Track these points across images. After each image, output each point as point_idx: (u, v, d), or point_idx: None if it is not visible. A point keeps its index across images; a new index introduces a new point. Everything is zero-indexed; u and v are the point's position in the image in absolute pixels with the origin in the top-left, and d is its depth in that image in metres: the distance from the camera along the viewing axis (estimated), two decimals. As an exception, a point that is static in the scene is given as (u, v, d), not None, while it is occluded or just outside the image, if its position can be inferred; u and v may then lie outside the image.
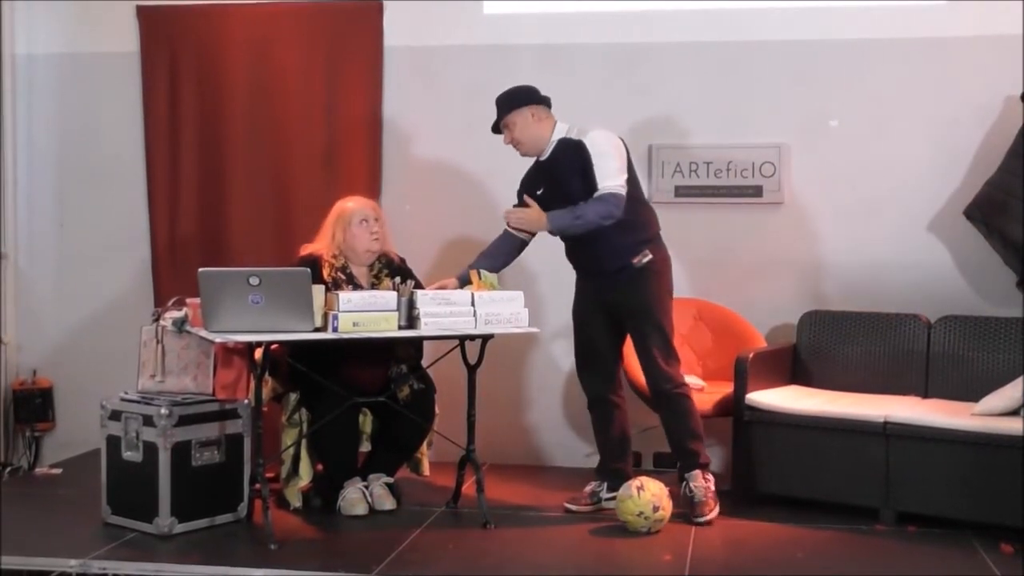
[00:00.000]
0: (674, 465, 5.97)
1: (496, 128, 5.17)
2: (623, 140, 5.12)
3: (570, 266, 6.03)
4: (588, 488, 5.26)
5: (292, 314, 4.58)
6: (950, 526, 4.82)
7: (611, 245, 5.00)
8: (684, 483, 5.11)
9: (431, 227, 6.18)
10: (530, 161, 5.22)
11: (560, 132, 5.09)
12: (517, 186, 5.22)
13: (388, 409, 5.13)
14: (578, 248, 5.14)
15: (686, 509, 5.02)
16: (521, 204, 5.16)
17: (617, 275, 5.05)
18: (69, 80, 6.58)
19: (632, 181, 5.06)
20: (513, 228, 5.16)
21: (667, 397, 5.11)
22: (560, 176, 5.03)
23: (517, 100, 5.11)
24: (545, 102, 5.14)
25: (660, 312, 5.09)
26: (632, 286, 5.05)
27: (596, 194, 4.92)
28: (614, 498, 5.03)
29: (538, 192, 5.10)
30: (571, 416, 6.19)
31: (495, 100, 5.16)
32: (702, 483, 5.07)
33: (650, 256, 5.06)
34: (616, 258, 5.03)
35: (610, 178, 4.93)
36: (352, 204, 5.27)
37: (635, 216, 5.02)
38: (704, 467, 5.13)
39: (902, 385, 5.47)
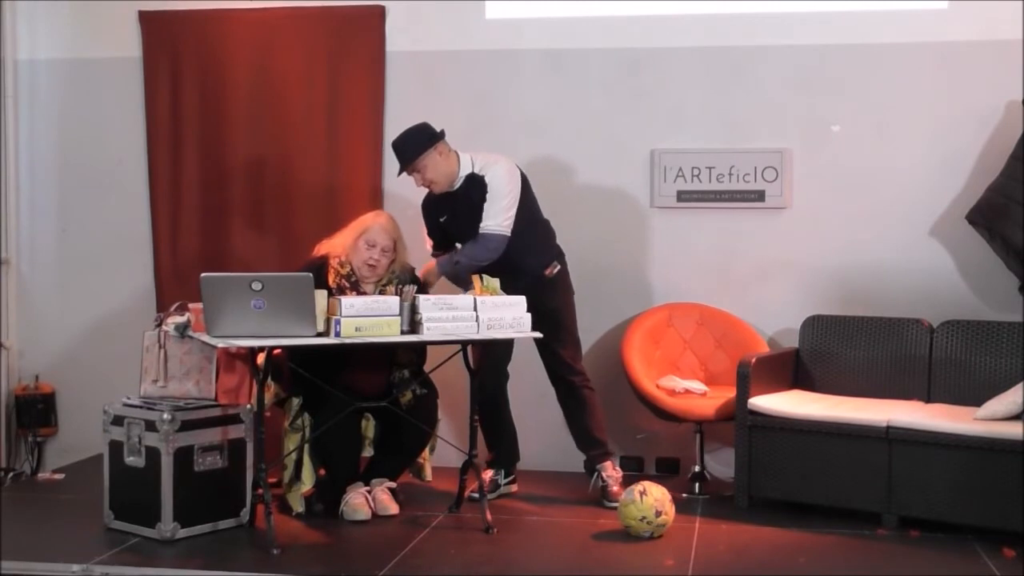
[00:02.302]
0: (675, 470, 6.01)
1: (402, 172, 5.33)
2: (521, 171, 5.41)
3: (570, 270, 6.05)
4: (488, 476, 5.41)
5: (294, 319, 4.58)
6: (952, 531, 4.82)
7: (525, 262, 5.32)
8: (595, 473, 5.46)
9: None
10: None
11: (467, 166, 5.33)
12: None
13: (390, 414, 5.13)
14: (493, 266, 5.24)
15: (598, 496, 5.39)
16: (430, 226, 5.46)
17: (532, 285, 5.25)
18: (71, 85, 6.58)
19: (530, 207, 5.38)
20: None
21: (576, 389, 5.50)
22: (468, 210, 5.28)
23: (423, 143, 5.25)
24: (443, 136, 5.30)
25: (571, 316, 5.53)
26: (546, 294, 5.34)
27: (479, 233, 5.24)
28: (513, 481, 5.58)
29: (441, 219, 5.38)
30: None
31: (394, 146, 5.32)
32: (613, 472, 5.44)
33: (559, 267, 5.48)
34: (530, 272, 5.35)
35: (492, 218, 5.25)
36: (374, 223, 5.26)
37: (541, 235, 5.46)
38: (612, 457, 5.54)
39: (904, 390, 5.47)
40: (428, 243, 5.52)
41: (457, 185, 5.31)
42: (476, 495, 5.12)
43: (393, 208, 6.21)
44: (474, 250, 5.25)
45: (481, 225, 5.24)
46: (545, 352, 5.47)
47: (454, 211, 5.33)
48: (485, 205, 5.25)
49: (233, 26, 6.33)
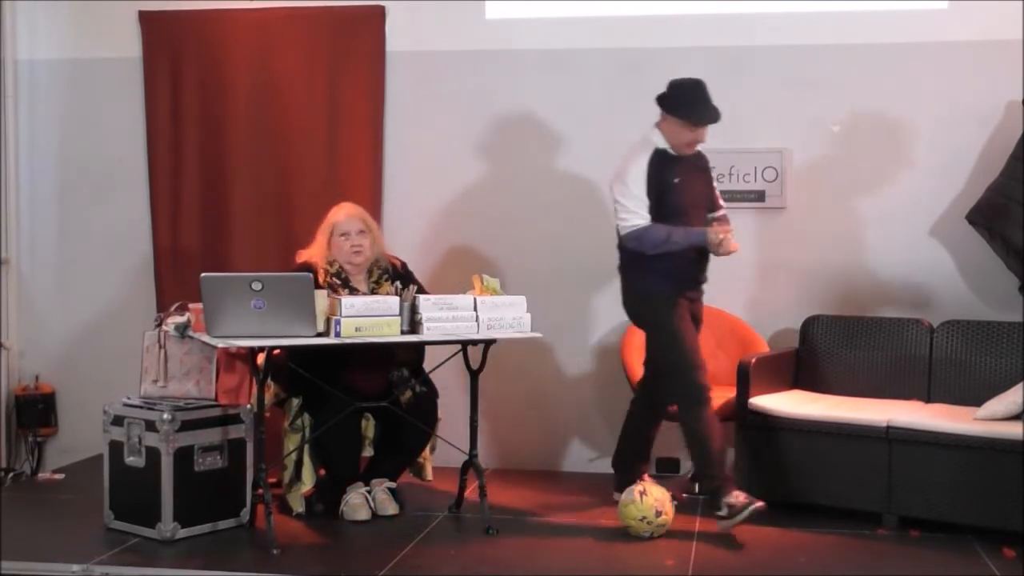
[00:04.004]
0: (676, 470, 5.99)
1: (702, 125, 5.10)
2: None
3: (571, 271, 6.05)
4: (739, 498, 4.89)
5: (294, 319, 4.58)
6: (952, 530, 4.82)
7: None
8: (722, 502, 4.86)
9: (433, 232, 6.19)
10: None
11: None
12: (645, 179, 5.03)
13: (391, 414, 5.13)
14: (702, 260, 5.16)
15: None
16: (659, 189, 5.03)
17: (702, 288, 5.26)
18: (71, 85, 6.58)
19: None
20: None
21: (708, 398, 5.05)
22: (702, 177, 5.22)
23: None
24: None
25: None
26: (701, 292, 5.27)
27: (722, 212, 5.26)
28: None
29: (675, 180, 5.05)
30: (573, 421, 6.19)
31: (709, 99, 5.07)
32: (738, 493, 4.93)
33: None
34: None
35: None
36: (338, 215, 5.26)
37: None
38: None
39: (904, 390, 5.47)
40: (638, 219, 5.02)
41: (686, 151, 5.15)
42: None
43: (393, 208, 6.24)
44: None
45: (722, 202, 5.30)
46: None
47: (690, 175, 5.14)
48: (716, 186, 5.34)
49: (233, 26, 6.33)
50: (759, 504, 4.79)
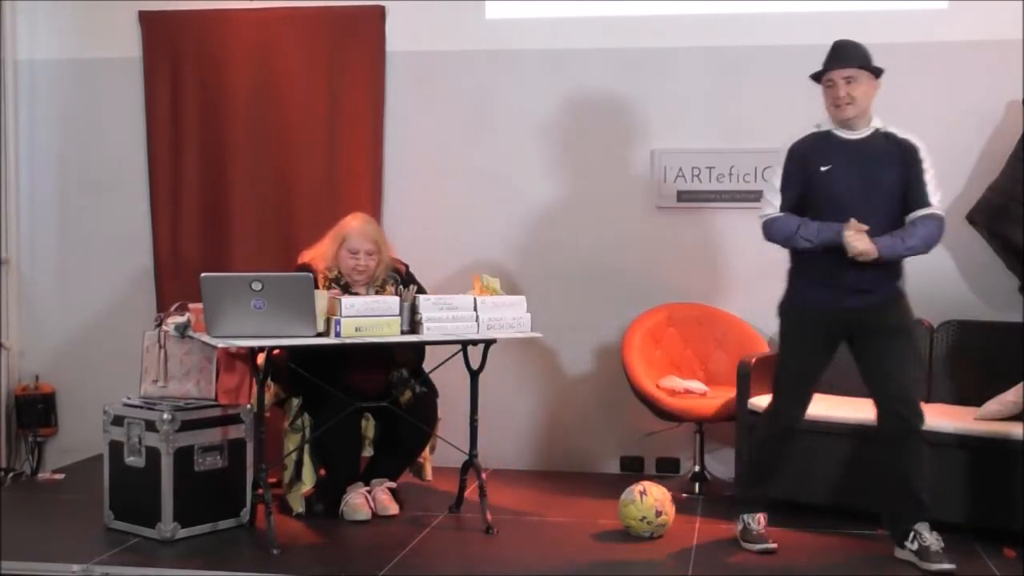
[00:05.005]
0: (676, 470, 5.99)
1: (831, 71, 4.62)
2: None
3: (571, 271, 6.04)
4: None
5: (295, 319, 4.58)
6: (952, 530, 4.80)
7: (895, 267, 4.60)
8: (910, 535, 4.52)
9: (433, 233, 6.18)
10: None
11: (876, 120, 4.64)
12: (786, 156, 4.69)
13: (390, 414, 5.13)
14: (854, 264, 4.48)
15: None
16: (795, 178, 4.60)
17: (885, 297, 4.57)
18: (71, 85, 6.58)
19: None
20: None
21: (909, 431, 4.52)
22: (871, 163, 4.54)
23: (871, 61, 4.62)
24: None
25: (916, 340, 4.90)
26: (896, 308, 4.60)
27: (926, 212, 4.53)
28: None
29: (823, 168, 4.57)
30: (573, 421, 6.19)
31: (840, 44, 4.68)
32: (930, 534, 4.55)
33: (903, 282, 4.68)
34: (894, 280, 4.60)
35: (935, 195, 4.56)
36: (351, 229, 5.20)
37: None
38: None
39: (904, 390, 5.47)
40: (769, 207, 4.62)
41: (862, 134, 4.60)
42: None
43: (393, 208, 6.23)
44: (929, 232, 4.52)
45: (935, 204, 4.53)
46: (878, 373, 4.60)
47: (849, 160, 4.55)
48: (927, 178, 4.52)
49: (233, 26, 6.33)
50: (772, 546, 4.67)
